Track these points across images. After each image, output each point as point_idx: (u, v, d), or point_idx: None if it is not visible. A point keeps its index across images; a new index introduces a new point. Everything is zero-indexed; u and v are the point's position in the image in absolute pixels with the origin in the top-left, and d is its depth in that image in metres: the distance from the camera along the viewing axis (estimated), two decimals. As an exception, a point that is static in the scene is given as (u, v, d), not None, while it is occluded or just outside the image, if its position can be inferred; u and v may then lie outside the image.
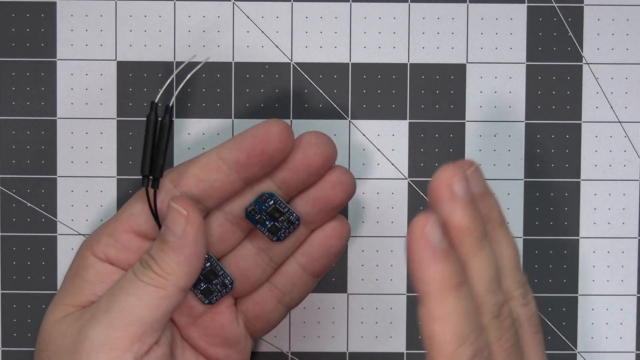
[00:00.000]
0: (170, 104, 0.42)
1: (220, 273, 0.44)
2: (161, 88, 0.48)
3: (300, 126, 0.48)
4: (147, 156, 0.43)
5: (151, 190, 0.42)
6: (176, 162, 0.49)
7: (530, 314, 0.39)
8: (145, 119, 0.43)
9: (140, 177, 0.43)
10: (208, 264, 0.43)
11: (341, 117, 0.49)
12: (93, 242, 0.43)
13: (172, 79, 0.47)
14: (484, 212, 0.37)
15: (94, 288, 0.43)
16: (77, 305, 0.43)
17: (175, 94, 0.45)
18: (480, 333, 0.35)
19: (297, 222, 0.44)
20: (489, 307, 0.36)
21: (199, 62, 0.46)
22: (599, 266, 0.49)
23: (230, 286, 0.44)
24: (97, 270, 0.43)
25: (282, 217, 0.43)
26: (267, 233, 0.44)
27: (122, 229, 0.43)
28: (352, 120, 0.49)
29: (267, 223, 0.43)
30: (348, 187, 0.44)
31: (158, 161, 0.42)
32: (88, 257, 0.43)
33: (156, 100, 0.43)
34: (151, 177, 0.43)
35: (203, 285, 0.44)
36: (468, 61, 0.49)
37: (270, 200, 0.43)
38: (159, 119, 0.43)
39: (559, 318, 0.49)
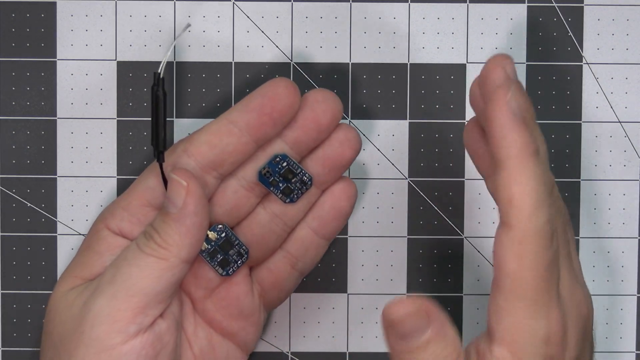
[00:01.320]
0: (161, 75, 0.42)
1: (236, 243, 0.44)
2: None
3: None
4: (159, 129, 0.42)
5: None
6: (176, 162, 0.49)
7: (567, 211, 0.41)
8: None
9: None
10: (223, 234, 0.44)
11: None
12: (107, 215, 0.43)
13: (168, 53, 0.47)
14: None
15: (103, 260, 0.43)
16: (85, 278, 0.43)
17: (163, 65, 0.45)
18: (553, 200, 0.37)
19: (309, 183, 0.44)
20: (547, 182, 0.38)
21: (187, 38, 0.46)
22: (599, 266, 0.49)
23: (246, 255, 0.44)
24: (109, 243, 0.43)
25: (295, 178, 0.44)
26: (281, 195, 0.44)
27: (138, 203, 0.43)
28: (352, 120, 0.49)
29: (280, 185, 0.44)
30: (355, 143, 0.44)
31: (160, 134, 0.42)
32: (101, 230, 0.43)
33: (159, 71, 0.42)
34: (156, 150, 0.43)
35: (220, 257, 0.44)
36: (468, 61, 0.49)
37: (283, 162, 0.43)
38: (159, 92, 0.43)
39: (559, 318, 0.49)
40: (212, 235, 0.44)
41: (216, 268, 0.44)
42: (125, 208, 0.43)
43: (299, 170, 0.44)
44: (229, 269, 0.44)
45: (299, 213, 0.45)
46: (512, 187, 0.36)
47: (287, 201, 0.44)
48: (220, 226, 0.44)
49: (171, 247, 0.41)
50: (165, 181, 0.42)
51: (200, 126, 0.48)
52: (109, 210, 0.44)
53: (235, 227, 0.45)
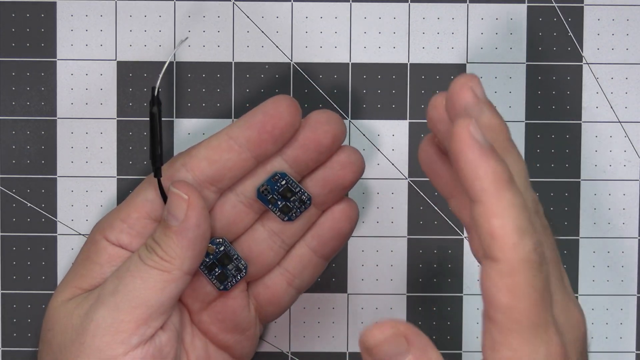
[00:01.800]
0: (156, 92, 0.42)
1: (235, 257, 0.44)
2: (159, 86, 0.48)
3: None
4: (155, 145, 0.42)
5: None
6: (176, 162, 0.49)
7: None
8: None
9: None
10: (222, 248, 0.44)
11: (341, 117, 0.49)
12: (105, 226, 0.43)
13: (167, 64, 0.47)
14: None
15: (103, 271, 0.43)
16: (84, 289, 0.43)
17: (160, 76, 0.45)
18: (536, 226, 0.35)
19: (308, 202, 0.44)
20: (529, 203, 0.36)
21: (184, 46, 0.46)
22: (599, 266, 0.49)
23: (244, 271, 0.44)
24: (110, 254, 0.43)
25: (294, 197, 0.43)
26: (279, 213, 0.44)
27: (137, 215, 0.43)
28: (352, 120, 0.49)
29: (279, 203, 0.44)
30: (357, 166, 0.44)
31: (156, 150, 0.42)
32: (100, 241, 0.43)
33: (157, 87, 0.42)
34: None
35: (218, 271, 0.44)
36: (468, 61, 0.49)
37: (283, 180, 0.43)
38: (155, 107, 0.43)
39: (559, 318, 0.49)
40: (210, 248, 0.43)
41: (214, 282, 0.44)
42: (124, 220, 0.43)
43: (297, 189, 0.43)
44: (227, 284, 0.44)
45: (297, 231, 0.45)
46: (492, 220, 0.34)
47: (285, 219, 0.44)
48: (219, 240, 0.44)
49: (174, 259, 0.41)
50: (163, 197, 0.42)
51: (200, 126, 0.48)
52: (107, 222, 0.43)
53: (233, 242, 0.45)
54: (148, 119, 0.47)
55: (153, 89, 0.42)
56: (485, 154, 0.34)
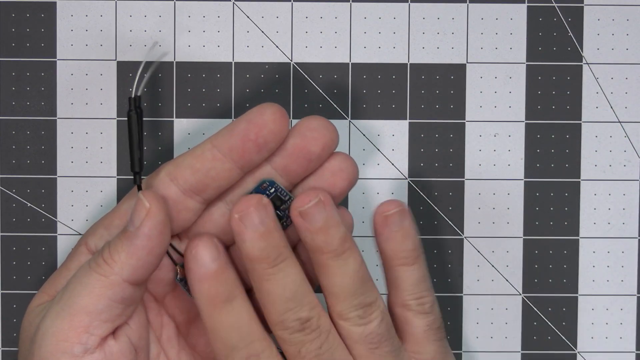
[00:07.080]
0: (134, 95, 0.42)
1: None
2: (154, 87, 0.48)
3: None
4: (133, 150, 0.42)
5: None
6: (176, 162, 0.49)
7: (367, 332, 0.42)
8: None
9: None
10: None
11: (341, 117, 0.49)
12: (89, 233, 0.43)
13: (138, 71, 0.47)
14: (319, 244, 0.41)
15: (69, 277, 0.42)
16: (51, 295, 0.42)
17: (139, 84, 0.44)
18: (253, 341, 0.41)
19: None
20: (289, 323, 0.41)
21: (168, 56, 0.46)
22: (599, 266, 0.49)
23: None
24: (80, 261, 0.42)
25: (284, 205, 0.42)
26: None
27: (119, 223, 0.42)
28: (352, 120, 0.49)
29: None
30: (349, 174, 0.42)
31: (134, 155, 0.42)
32: (80, 247, 0.43)
33: (135, 95, 0.42)
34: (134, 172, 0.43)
35: None
36: (468, 61, 0.49)
37: (271, 188, 0.42)
38: (131, 112, 0.43)
39: (559, 318, 0.49)
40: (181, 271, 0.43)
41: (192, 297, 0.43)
42: (107, 227, 0.42)
43: (287, 197, 0.42)
44: None
45: (289, 239, 0.43)
46: (207, 335, 0.42)
47: None
48: None
49: (115, 264, 0.40)
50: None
51: (200, 126, 0.49)
52: (92, 229, 0.43)
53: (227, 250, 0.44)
54: (148, 119, 0.48)
55: (129, 98, 0.42)
56: (203, 276, 0.41)
